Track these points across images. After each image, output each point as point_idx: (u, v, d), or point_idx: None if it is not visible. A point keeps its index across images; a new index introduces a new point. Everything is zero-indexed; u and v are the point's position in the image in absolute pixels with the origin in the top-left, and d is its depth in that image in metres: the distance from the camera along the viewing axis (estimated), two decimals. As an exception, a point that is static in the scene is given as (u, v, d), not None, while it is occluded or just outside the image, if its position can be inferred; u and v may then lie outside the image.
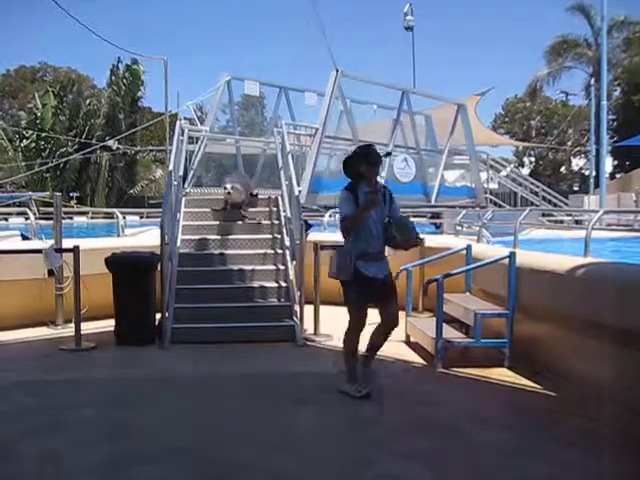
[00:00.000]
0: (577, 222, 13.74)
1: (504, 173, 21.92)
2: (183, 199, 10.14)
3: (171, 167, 9.38)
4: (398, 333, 7.82)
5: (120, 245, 8.97)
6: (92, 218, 18.77)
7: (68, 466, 4.18)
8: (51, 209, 9.13)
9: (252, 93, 16.16)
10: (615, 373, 5.45)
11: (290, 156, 10.14)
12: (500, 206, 18.08)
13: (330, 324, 8.22)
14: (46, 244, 8.56)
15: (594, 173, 28.90)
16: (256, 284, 8.57)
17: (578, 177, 50.48)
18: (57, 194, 9.54)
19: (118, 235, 10.94)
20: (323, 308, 8.28)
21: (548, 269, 6.26)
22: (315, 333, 8.05)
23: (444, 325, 6.73)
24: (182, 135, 10.80)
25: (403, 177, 14.58)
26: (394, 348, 7.41)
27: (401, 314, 8.09)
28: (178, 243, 9.00)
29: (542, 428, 4.88)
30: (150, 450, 4.43)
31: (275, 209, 9.98)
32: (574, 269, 5.94)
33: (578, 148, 48.09)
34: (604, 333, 5.41)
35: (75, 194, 34.51)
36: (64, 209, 11.02)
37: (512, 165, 26.07)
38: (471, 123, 17.43)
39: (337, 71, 13.04)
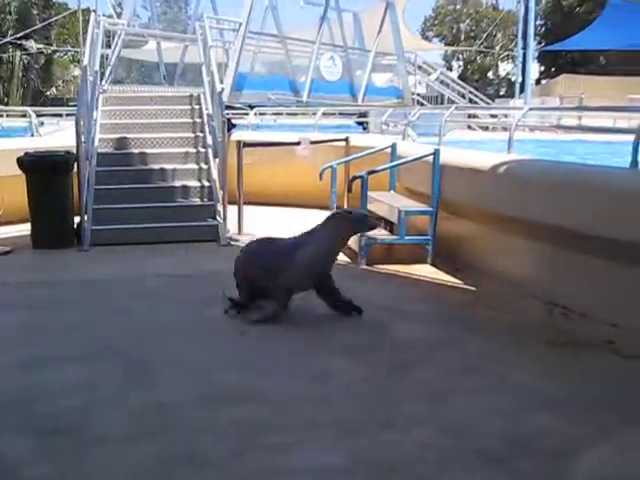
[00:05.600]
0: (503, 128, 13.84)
1: (434, 77, 21.82)
2: (100, 97, 9.64)
3: (86, 61, 8.83)
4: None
5: (34, 145, 8.51)
6: (6, 117, 17.70)
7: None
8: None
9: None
10: (535, 269, 5.59)
11: (212, 51, 9.70)
12: (427, 107, 18.02)
13: (253, 224, 8.16)
14: (-48, 143, 8.06)
15: (520, 78, 28.97)
16: (178, 184, 8.34)
17: (505, 82, 50.77)
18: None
19: (32, 135, 10.40)
20: (246, 208, 8.19)
21: (471, 166, 6.28)
22: (239, 233, 7.97)
23: (368, 223, 6.71)
24: (97, 28, 10.16)
25: (329, 75, 14.28)
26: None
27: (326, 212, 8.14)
28: (96, 142, 8.61)
29: (463, 321, 4.97)
30: (72, 351, 4.30)
31: (197, 107, 9.61)
32: (497, 166, 5.96)
33: (506, 53, 48.10)
34: (526, 230, 5.50)
35: (-14, 95, 32.69)
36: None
37: (441, 68, 25.94)
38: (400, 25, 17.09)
39: (262, -38, 12.45)
